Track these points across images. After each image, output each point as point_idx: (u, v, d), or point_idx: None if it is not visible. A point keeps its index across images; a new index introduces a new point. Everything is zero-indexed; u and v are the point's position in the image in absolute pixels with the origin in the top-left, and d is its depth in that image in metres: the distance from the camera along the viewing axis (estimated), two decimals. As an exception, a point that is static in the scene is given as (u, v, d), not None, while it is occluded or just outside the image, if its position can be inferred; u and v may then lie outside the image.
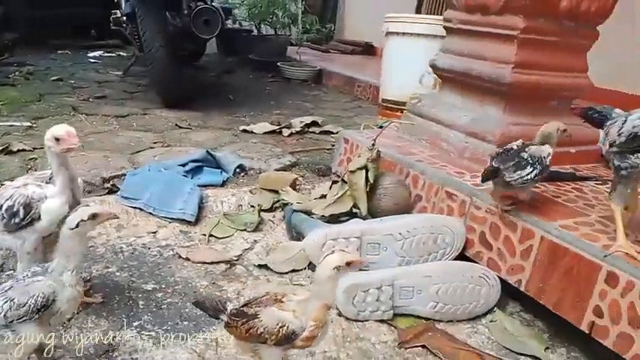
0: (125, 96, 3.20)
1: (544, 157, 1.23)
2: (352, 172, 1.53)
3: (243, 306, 0.89)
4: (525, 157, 1.21)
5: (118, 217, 1.09)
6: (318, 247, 1.24)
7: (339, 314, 1.18)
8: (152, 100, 3.05)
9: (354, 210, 1.51)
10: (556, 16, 1.52)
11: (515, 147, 1.25)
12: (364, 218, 1.47)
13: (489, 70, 1.58)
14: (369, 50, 6.71)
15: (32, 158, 1.89)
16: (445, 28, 1.85)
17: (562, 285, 1.10)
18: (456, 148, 1.67)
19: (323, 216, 1.50)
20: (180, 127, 2.53)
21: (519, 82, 1.52)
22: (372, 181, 1.51)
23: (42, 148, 2.01)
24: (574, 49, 1.63)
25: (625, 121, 1.06)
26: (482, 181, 1.26)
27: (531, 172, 1.21)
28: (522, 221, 1.21)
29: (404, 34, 2.68)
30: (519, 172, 1.20)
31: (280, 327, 0.85)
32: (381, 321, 1.18)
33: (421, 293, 1.19)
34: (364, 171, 1.53)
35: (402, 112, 2.72)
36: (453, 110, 1.74)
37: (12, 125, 2.29)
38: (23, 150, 1.95)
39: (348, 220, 1.46)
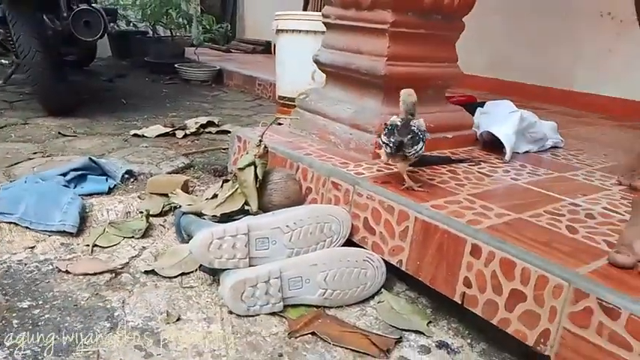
0: (4, 106, 2.96)
1: (425, 131, 1.31)
2: (241, 169, 1.53)
3: None
4: (416, 132, 1.29)
5: None
6: (204, 247, 1.23)
7: (230, 312, 1.18)
8: (35, 109, 2.85)
9: (246, 207, 1.51)
10: (422, 10, 1.62)
11: (398, 122, 1.31)
12: (256, 215, 1.48)
13: (366, 63, 1.65)
14: (269, 49, 6.72)
15: None
16: (324, 23, 1.90)
17: (435, 261, 1.18)
18: (342, 140, 1.73)
19: (214, 216, 1.49)
20: (64, 135, 2.39)
21: (393, 74, 1.60)
22: (260, 177, 1.52)
23: None
24: (442, 40, 1.75)
25: None
26: (394, 153, 1.31)
27: (422, 146, 1.29)
28: (398, 204, 1.28)
29: (293, 31, 2.72)
30: (415, 146, 1.28)
31: None
32: (272, 314, 1.19)
33: (309, 282, 1.22)
34: (253, 167, 1.53)
35: (297, 108, 2.77)
36: (338, 104, 1.80)
37: None
38: None
39: (240, 218, 1.46)
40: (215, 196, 1.61)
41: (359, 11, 1.70)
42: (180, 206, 1.58)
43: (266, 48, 6.72)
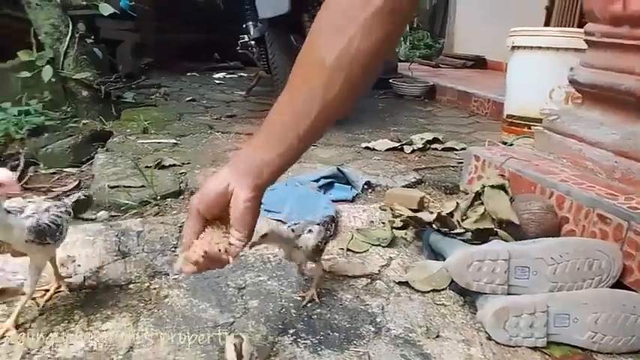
0: (251, 115, 3.41)
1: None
2: (491, 187, 1.52)
3: None
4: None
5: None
6: (463, 267, 1.23)
7: (489, 338, 1.16)
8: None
9: (495, 229, 1.48)
10: None
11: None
12: (506, 240, 1.44)
13: (642, 85, 1.48)
14: (480, 64, 6.54)
15: (182, 173, 2.08)
16: (586, 41, 1.76)
17: None
18: (602, 167, 1.58)
19: (463, 233, 1.49)
20: (307, 144, 2.64)
21: (681, 98, 1.41)
22: (511, 195, 1.49)
23: (189, 163, 2.23)
24: None
25: None
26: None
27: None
28: (696, 250, 1.11)
29: (532, 47, 2.58)
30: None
31: None
32: (534, 348, 1.14)
33: (577, 322, 1.14)
34: (502, 188, 1.51)
35: (528, 129, 2.63)
36: (598, 127, 1.65)
37: (160, 142, 2.54)
38: (174, 165, 2.16)
39: (490, 239, 1.43)
40: (451, 214, 1.62)
41: (634, 29, 1.54)
42: (426, 222, 1.61)
43: (476, 63, 6.55)
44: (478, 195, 1.56)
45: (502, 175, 1.60)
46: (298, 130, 0.86)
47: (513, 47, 2.70)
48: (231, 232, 0.90)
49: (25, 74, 2.91)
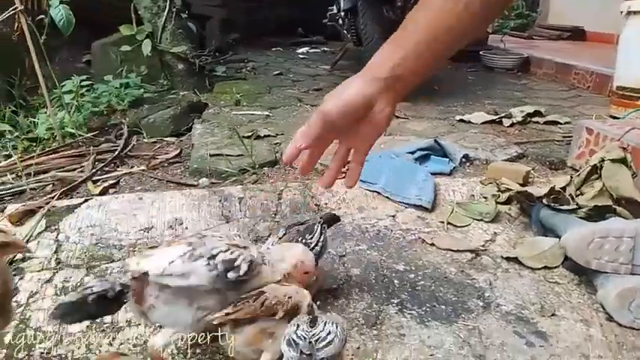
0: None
1: None
2: (611, 161, 1.40)
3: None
4: None
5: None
6: (583, 244, 1.15)
7: (609, 319, 1.08)
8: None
9: (613, 206, 1.37)
10: None
11: None
12: (626, 218, 1.32)
13: None
14: (578, 35, 6.06)
15: (277, 143, 2.11)
16: None
17: None
18: None
19: (577, 209, 1.39)
20: (397, 117, 2.57)
21: None
22: (634, 170, 1.37)
23: (282, 134, 2.25)
24: None
25: None
26: None
27: None
28: None
29: (652, 12, 2.34)
30: None
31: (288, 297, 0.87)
32: (661, 332, 1.05)
33: None
34: (624, 162, 1.39)
35: (643, 102, 2.40)
36: None
37: (253, 114, 2.59)
38: (268, 135, 2.19)
39: (604, 218, 1.33)
40: (563, 189, 1.51)
41: None
42: (536, 197, 1.51)
43: (573, 34, 6.07)
44: (594, 169, 1.44)
45: (623, 149, 1.47)
46: (432, 43, 0.82)
47: (629, 12, 2.46)
48: (355, 146, 0.93)
49: (126, 48, 3.05)
